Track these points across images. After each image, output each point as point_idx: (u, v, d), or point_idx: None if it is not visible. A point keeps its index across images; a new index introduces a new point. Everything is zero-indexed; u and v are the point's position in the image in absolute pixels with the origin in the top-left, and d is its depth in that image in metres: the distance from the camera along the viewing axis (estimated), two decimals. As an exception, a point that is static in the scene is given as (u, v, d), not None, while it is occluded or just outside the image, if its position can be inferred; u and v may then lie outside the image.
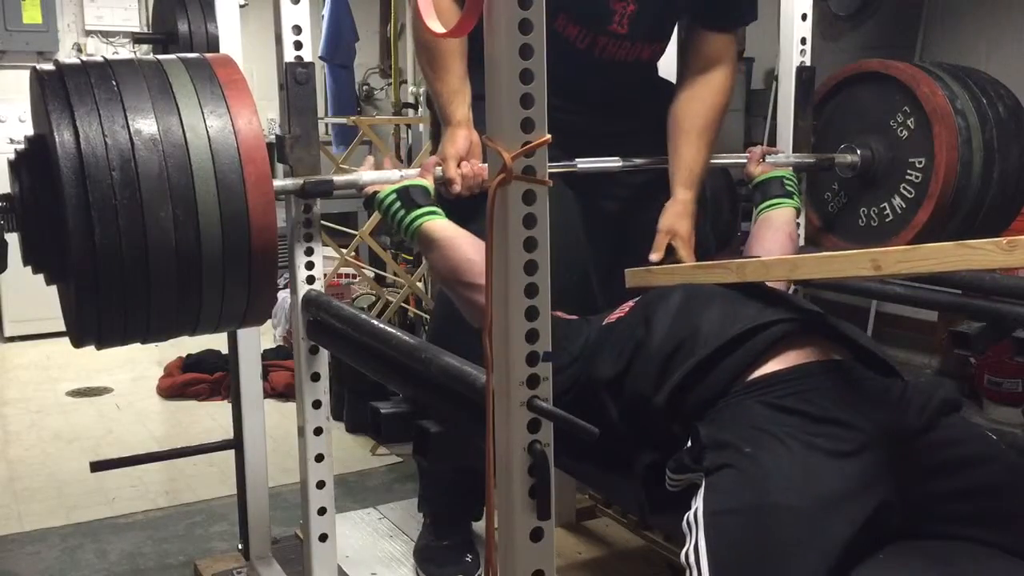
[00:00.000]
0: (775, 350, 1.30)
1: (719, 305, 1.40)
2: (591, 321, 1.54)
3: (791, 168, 2.04)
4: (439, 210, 1.60)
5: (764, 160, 2.01)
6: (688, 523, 1.15)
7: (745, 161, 2.02)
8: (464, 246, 1.54)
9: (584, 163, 1.83)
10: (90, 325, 1.41)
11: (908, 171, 2.07)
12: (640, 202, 1.99)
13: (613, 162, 1.85)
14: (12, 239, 1.44)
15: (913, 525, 1.17)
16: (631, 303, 1.51)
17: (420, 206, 1.58)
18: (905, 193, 2.08)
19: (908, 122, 2.06)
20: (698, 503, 1.15)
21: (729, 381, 1.28)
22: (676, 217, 1.85)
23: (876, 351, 1.38)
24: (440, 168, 1.70)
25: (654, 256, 1.82)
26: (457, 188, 1.70)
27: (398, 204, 1.60)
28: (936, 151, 2.00)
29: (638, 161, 1.89)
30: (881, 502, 1.14)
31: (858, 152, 2.13)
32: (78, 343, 1.46)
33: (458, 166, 1.71)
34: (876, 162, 2.12)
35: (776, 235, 1.89)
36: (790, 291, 2.06)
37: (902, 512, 1.16)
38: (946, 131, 1.98)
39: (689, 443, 1.24)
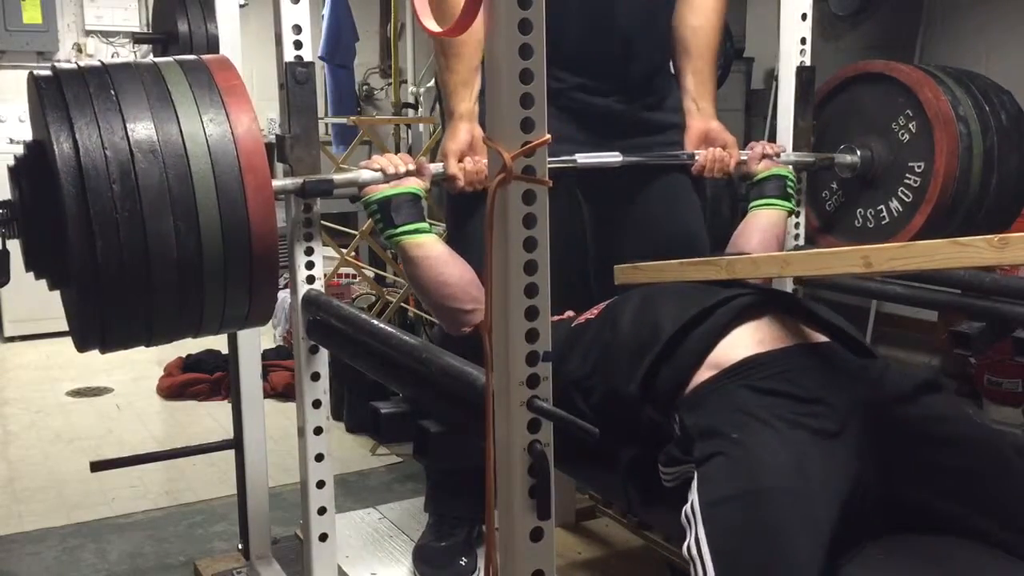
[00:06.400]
0: (742, 326, 1.32)
1: (681, 296, 1.42)
2: (563, 322, 1.54)
3: (791, 167, 2.04)
4: (420, 225, 1.62)
5: (764, 158, 2.00)
6: (687, 516, 1.15)
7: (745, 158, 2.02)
8: (436, 267, 1.60)
9: (584, 158, 1.83)
10: (93, 330, 1.41)
11: (907, 175, 2.07)
12: (643, 200, 1.98)
13: (613, 157, 1.85)
14: (13, 246, 1.44)
15: (897, 498, 1.18)
16: (603, 304, 1.52)
17: (397, 225, 1.61)
18: (903, 197, 2.08)
19: (910, 125, 2.05)
20: (693, 495, 1.16)
21: (696, 358, 1.29)
22: (722, 130, 1.97)
23: (854, 333, 1.39)
24: (441, 164, 1.71)
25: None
26: (460, 184, 1.71)
27: (379, 216, 1.63)
28: (936, 156, 1.99)
29: (638, 158, 1.89)
30: (873, 478, 1.15)
31: (858, 153, 2.13)
32: (82, 347, 1.45)
33: (460, 161, 1.71)
34: (875, 163, 2.11)
35: (761, 235, 1.89)
36: (789, 290, 2.07)
37: (884, 485, 1.16)
38: (947, 137, 1.98)
39: (678, 433, 1.25)
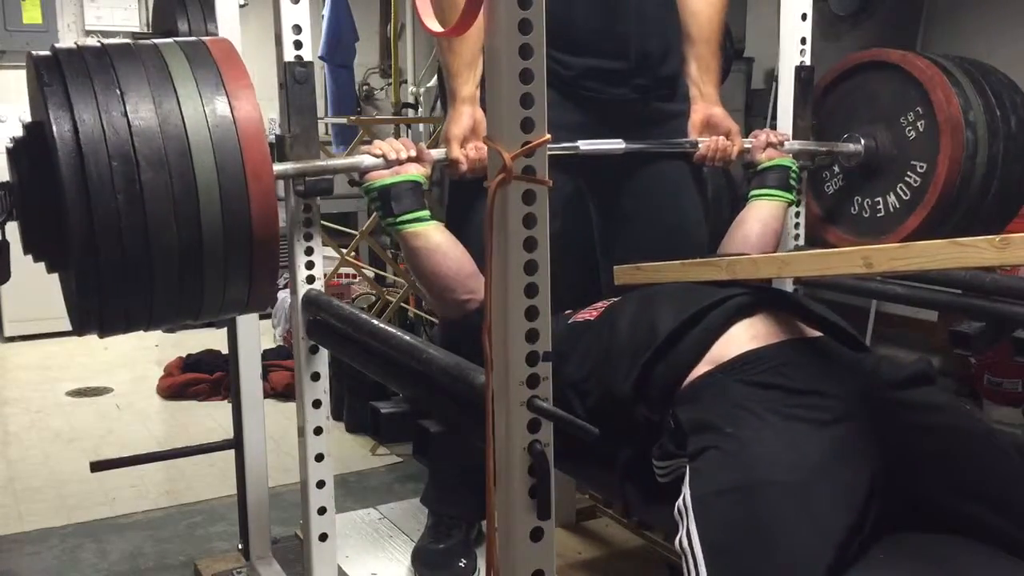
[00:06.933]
0: (738, 323, 1.32)
1: (678, 297, 1.43)
2: (559, 318, 1.54)
3: (791, 156, 2.02)
4: (420, 214, 1.62)
5: (768, 147, 1.99)
6: (679, 510, 1.15)
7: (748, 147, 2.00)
8: (433, 257, 1.61)
9: (586, 145, 1.81)
10: (91, 313, 1.40)
11: (908, 172, 2.05)
12: (646, 192, 1.98)
13: (616, 144, 1.83)
14: (12, 237, 1.43)
15: (897, 489, 1.18)
16: (603, 303, 1.52)
17: (397, 214, 1.60)
18: (901, 193, 2.07)
19: (918, 124, 2.02)
20: (685, 489, 1.16)
21: (693, 357, 1.30)
22: (725, 116, 1.97)
23: (848, 328, 1.40)
24: (443, 150, 1.71)
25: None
26: (463, 169, 1.71)
27: (378, 203, 1.63)
28: (939, 162, 1.97)
29: (640, 145, 1.88)
30: (869, 467, 1.15)
31: (862, 142, 2.10)
32: (80, 331, 1.45)
33: (462, 146, 1.71)
34: (879, 154, 2.09)
35: (761, 227, 1.90)
36: (790, 290, 2.07)
37: (891, 477, 1.16)
38: (953, 144, 1.95)
39: (672, 427, 1.25)
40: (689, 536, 1.12)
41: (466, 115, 1.73)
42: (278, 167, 1.52)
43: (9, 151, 1.41)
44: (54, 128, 1.29)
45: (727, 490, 1.13)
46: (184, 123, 1.35)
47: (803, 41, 2.14)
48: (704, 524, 1.12)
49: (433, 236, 1.62)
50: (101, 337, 1.48)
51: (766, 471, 1.12)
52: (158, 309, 1.43)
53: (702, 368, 1.29)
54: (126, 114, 1.32)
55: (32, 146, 1.38)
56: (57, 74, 1.34)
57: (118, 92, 1.33)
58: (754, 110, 4.46)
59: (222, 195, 1.36)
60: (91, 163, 1.28)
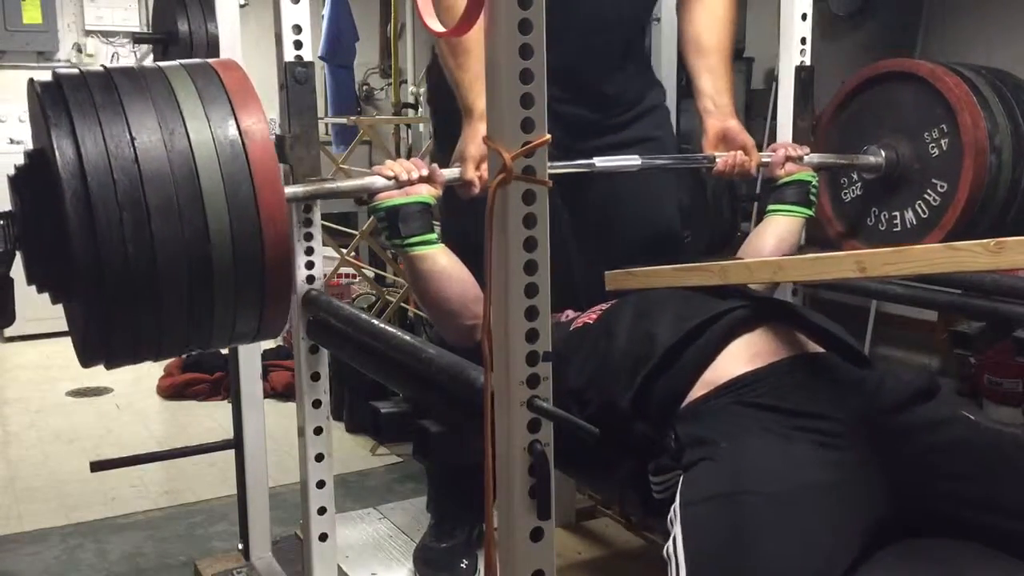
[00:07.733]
0: (737, 339, 1.31)
1: (675, 307, 1.41)
2: (561, 324, 1.54)
3: (812, 171, 1.99)
4: (426, 237, 1.59)
5: (788, 161, 1.95)
6: (669, 520, 1.16)
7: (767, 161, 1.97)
8: (438, 281, 1.59)
9: (602, 162, 1.79)
10: (98, 346, 1.37)
11: (928, 191, 1.99)
12: (626, 194, 1.96)
13: (631, 160, 1.81)
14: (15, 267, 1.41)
15: (907, 511, 1.17)
16: (603, 306, 1.52)
17: (403, 236, 1.57)
18: (919, 211, 2.01)
19: (942, 142, 1.96)
20: (677, 498, 1.17)
21: (692, 375, 1.29)
22: (741, 130, 1.91)
23: (850, 342, 1.39)
24: (455, 170, 1.69)
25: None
26: (475, 191, 1.68)
27: (385, 224, 1.60)
28: (960, 185, 1.92)
29: (659, 161, 1.86)
30: (868, 493, 1.15)
31: (883, 154, 2.05)
32: (87, 363, 1.41)
33: (477, 168, 1.67)
34: (900, 167, 2.03)
35: (777, 242, 1.86)
36: (789, 292, 2.06)
37: (893, 498, 1.16)
38: (976, 168, 1.90)
39: (672, 446, 1.25)
40: (675, 543, 1.12)
41: (483, 134, 1.70)
42: (288, 191, 1.50)
43: (11, 179, 1.37)
44: (57, 156, 1.25)
45: (713, 498, 1.13)
46: (192, 152, 1.30)
47: (803, 41, 2.13)
48: (688, 531, 1.12)
49: (438, 259, 1.59)
50: (108, 369, 1.45)
51: (753, 482, 1.12)
52: (166, 342, 1.39)
53: (701, 389, 1.28)
54: (132, 141, 1.28)
55: (35, 174, 1.34)
56: (60, 100, 1.29)
57: (124, 119, 1.29)
58: (754, 110, 4.47)
59: (232, 224, 1.31)
60: (96, 192, 1.24)
